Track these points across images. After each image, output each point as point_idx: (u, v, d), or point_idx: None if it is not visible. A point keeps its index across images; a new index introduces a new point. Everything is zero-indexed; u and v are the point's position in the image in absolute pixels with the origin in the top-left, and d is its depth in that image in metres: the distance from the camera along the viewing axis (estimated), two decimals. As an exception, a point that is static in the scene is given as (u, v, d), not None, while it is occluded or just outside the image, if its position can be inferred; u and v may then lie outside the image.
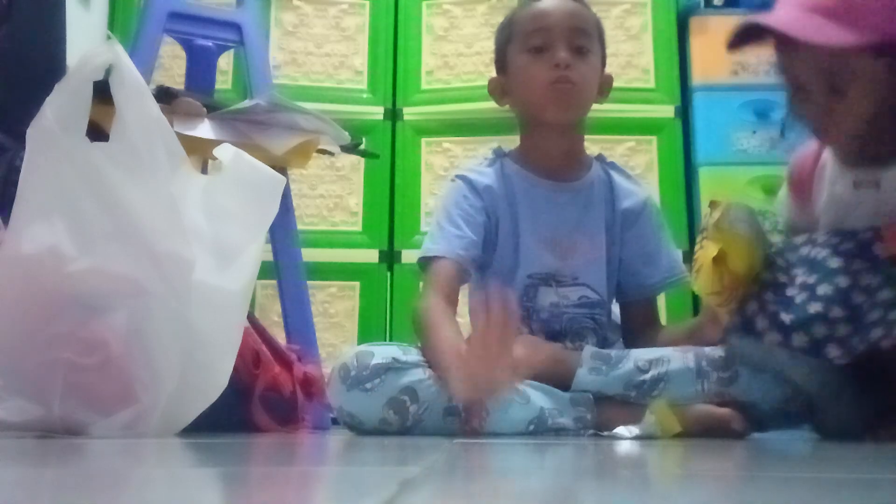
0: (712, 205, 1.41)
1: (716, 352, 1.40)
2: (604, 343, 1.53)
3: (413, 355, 1.40)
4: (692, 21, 2.62)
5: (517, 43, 1.58)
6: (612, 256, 1.59)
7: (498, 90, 1.62)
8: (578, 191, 1.60)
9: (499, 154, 1.64)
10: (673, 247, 1.66)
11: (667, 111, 2.53)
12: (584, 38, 1.56)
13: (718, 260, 1.36)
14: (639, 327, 1.61)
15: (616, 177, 1.64)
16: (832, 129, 1.37)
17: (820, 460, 1.00)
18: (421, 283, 1.53)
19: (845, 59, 1.30)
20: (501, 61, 1.63)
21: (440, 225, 1.54)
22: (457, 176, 1.61)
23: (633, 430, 1.31)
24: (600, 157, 1.66)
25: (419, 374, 1.37)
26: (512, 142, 1.68)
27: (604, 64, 1.62)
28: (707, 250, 1.39)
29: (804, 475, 0.81)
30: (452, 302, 1.47)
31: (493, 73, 1.66)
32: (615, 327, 1.62)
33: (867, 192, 1.36)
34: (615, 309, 1.64)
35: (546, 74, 1.53)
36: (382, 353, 1.39)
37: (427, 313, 1.42)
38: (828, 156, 1.45)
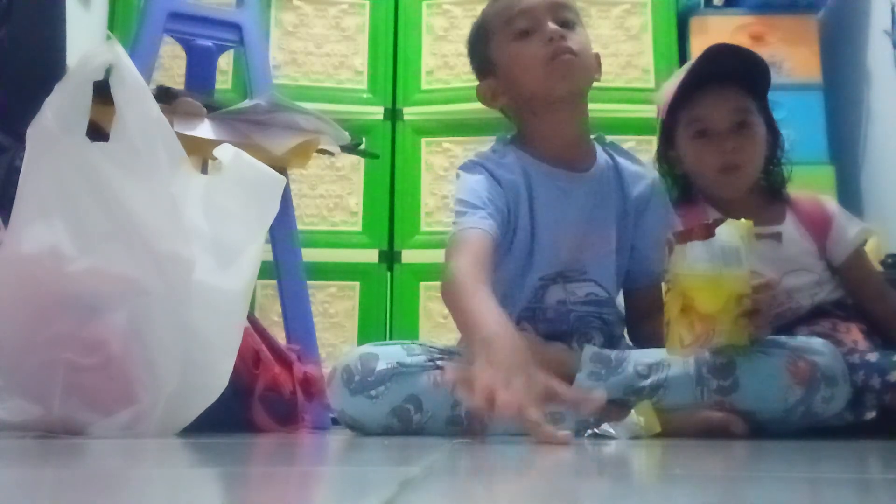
0: (668, 246, 1.38)
1: (717, 358, 1.36)
2: (611, 340, 1.51)
3: (418, 356, 1.38)
4: (692, 21, 2.62)
5: (500, 36, 1.53)
6: (621, 248, 1.55)
7: (489, 93, 1.57)
8: (591, 182, 1.55)
9: (505, 143, 1.57)
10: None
11: (667, 111, 2.53)
12: (568, 12, 1.52)
13: (686, 309, 1.33)
14: (643, 314, 1.58)
15: (622, 162, 1.59)
16: (739, 163, 1.61)
17: (820, 460, 1.00)
18: (444, 254, 1.40)
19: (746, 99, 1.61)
20: (483, 66, 1.58)
21: (468, 203, 1.43)
22: (475, 162, 1.52)
23: (617, 427, 1.30)
24: (600, 139, 1.61)
25: (424, 381, 1.35)
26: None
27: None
28: (670, 306, 1.36)
29: (804, 475, 0.81)
30: (484, 265, 1.34)
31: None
32: (621, 319, 1.59)
33: (768, 244, 1.54)
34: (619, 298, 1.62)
35: (542, 52, 1.47)
36: (387, 356, 1.36)
37: (459, 277, 1.31)
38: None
